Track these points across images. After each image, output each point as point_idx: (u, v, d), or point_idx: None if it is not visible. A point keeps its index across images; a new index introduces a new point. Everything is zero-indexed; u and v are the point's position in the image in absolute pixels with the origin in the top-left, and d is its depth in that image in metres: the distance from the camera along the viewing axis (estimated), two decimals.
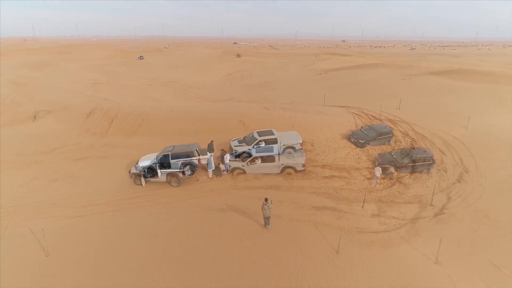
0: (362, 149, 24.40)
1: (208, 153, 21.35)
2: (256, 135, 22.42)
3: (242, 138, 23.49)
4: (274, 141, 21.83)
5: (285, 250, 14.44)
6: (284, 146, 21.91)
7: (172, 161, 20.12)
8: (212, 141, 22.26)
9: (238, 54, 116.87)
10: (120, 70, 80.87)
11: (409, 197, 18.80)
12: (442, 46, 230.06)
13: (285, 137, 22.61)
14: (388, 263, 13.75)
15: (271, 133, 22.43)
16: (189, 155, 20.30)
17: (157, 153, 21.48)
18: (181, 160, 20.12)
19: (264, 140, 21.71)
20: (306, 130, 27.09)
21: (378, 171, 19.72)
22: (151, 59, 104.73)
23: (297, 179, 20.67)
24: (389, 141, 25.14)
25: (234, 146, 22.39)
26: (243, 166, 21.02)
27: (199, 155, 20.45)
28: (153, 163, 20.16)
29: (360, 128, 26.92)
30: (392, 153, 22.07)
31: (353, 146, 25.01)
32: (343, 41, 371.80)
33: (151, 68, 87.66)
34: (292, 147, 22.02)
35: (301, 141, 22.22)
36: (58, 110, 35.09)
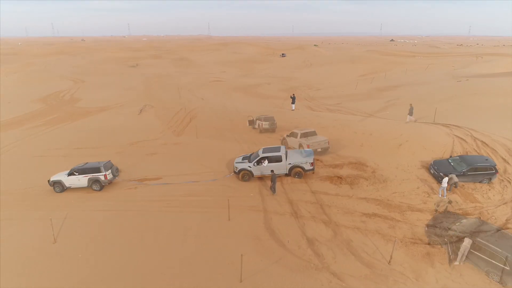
0: (441, 185, 18.82)
1: None
2: (260, 152, 21.70)
3: (248, 155, 22.68)
4: (278, 159, 20.89)
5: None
6: (290, 165, 20.90)
7: (79, 177, 21.04)
8: None
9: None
10: (258, 67, 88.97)
11: (468, 208, 17.64)
12: None
13: (294, 155, 21.51)
14: (445, 278, 13.13)
15: (277, 150, 21.55)
16: (95, 171, 20.94)
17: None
18: (88, 176, 20.99)
19: (267, 157, 20.91)
20: (376, 152, 23.46)
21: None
22: (290, 57, 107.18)
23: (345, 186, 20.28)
24: (490, 179, 19.55)
25: (236, 162, 21.84)
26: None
27: (105, 171, 21.01)
28: (62, 178, 21.12)
29: (449, 157, 21.51)
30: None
31: (431, 179, 20.06)
32: None
33: (284, 66, 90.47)
34: (301, 167, 20.81)
35: (312, 161, 20.76)
36: (159, 107, 38.03)
